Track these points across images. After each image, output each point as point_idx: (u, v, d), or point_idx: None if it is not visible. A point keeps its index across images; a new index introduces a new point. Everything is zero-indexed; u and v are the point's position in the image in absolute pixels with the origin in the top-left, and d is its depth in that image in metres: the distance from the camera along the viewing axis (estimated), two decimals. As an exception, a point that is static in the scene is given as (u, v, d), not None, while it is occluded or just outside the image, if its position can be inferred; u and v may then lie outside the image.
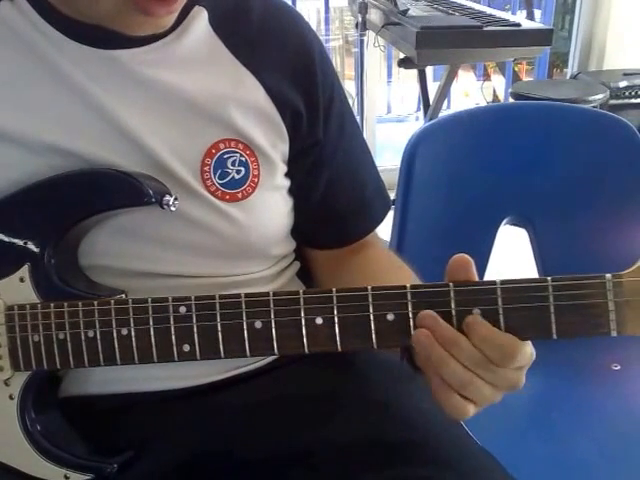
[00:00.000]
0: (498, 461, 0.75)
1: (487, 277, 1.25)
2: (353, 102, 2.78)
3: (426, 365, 0.62)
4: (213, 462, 0.77)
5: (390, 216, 0.93)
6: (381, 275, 0.86)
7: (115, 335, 0.66)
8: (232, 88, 0.75)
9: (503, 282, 0.59)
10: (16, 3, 0.71)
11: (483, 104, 4.44)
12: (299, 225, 0.86)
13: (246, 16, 0.78)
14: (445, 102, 3.08)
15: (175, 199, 0.69)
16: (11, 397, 0.70)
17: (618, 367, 1.20)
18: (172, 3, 0.66)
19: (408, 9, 2.23)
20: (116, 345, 0.66)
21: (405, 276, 0.83)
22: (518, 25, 2.19)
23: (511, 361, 0.59)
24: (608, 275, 0.57)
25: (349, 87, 4.15)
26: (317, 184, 0.83)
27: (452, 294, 0.60)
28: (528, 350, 0.60)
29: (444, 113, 3.11)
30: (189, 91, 0.73)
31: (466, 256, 0.61)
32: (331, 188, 0.84)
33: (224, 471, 0.77)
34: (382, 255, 0.90)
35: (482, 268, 1.26)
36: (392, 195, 1.18)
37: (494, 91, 4.54)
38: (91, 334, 0.67)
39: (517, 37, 2.19)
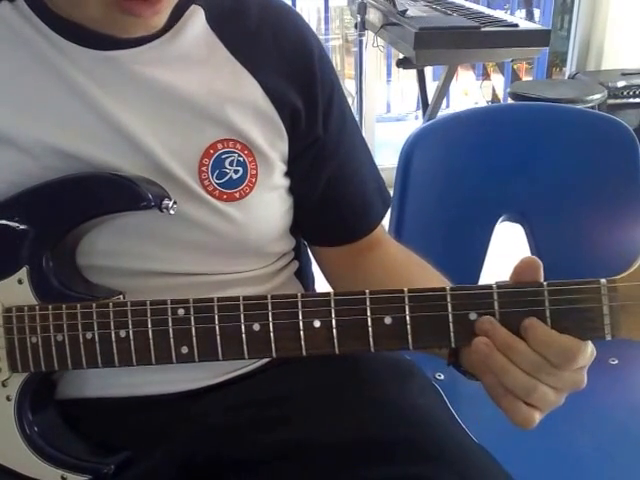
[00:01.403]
0: (494, 457, 0.75)
1: (484, 274, 1.26)
2: (353, 101, 2.78)
3: (486, 374, 0.62)
4: (210, 462, 0.77)
5: (387, 214, 0.94)
6: (406, 273, 0.86)
7: (113, 337, 0.66)
8: (230, 87, 0.75)
9: (500, 286, 0.59)
10: (16, 4, 0.71)
11: (482, 103, 4.45)
12: (303, 223, 0.86)
13: (244, 15, 0.78)
14: (444, 101, 3.08)
15: (174, 203, 0.69)
16: (8, 398, 0.70)
17: (616, 361, 1.20)
18: (156, 3, 0.65)
19: (407, 9, 2.24)
20: (114, 347, 0.66)
21: (430, 277, 0.83)
22: (516, 26, 2.20)
23: (572, 363, 0.58)
24: (603, 280, 0.58)
25: (349, 86, 4.15)
26: (318, 181, 0.83)
27: (449, 298, 0.60)
28: (589, 350, 0.59)
29: (443, 112, 3.12)
30: (187, 90, 0.73)
31: (535, 258, 0.60)
32: (332, 185, 0.84)
33: (221, 470, 0.77)
34: (397, 252, 0.90)
35: (479, 265, 1.26)
36: (390, 194, 1.19)
37: (493, 90, 4.54)
38: (89, 336, 0.67)
39: (515, 38, 2.19)
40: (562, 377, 0.59)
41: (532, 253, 1.28)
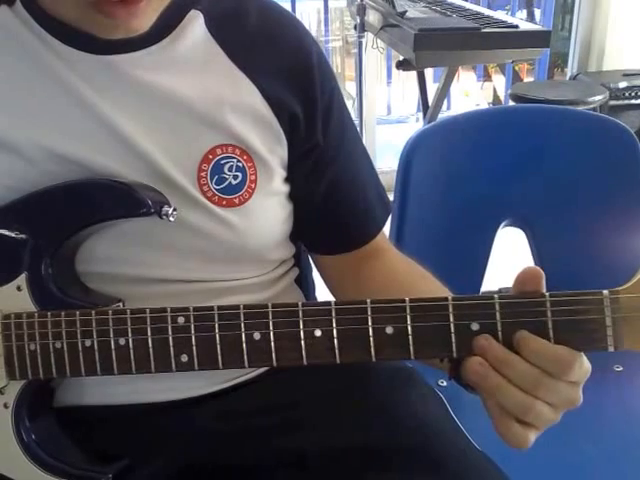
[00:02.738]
0: (498, 465, 0.75)
1: (486, 279, 1.26)
2: (353, 103, 2.78)
3: (484, 392, 0.61)
4: (210, 469, 0.77)
5: (388, 219, 0.93)
6: (408, 282, 0.85)
7: (112, 345, 0.66)
8: (229, 92, 0.75)
9: (502, 297, 0.59)
10: (14, 9, 0.71)
11: (484, 104, 4.44)
12: (303, 230, 0.86)
13: (243, 20, 0.77)
14: (445, 103, 3.07)
15: (174, 210, 0.69)
16: (6, 406, 0.70)
17: (620, 369, 1.20)
18: (131, 6, 0.64)
19: (406, 11, 2.23)
20: (113, 355, 0.66)
21: (432, 287, 0.82)
22: (516, 27, 2.19)
23: (570, 372, 0.58)
24: (605, 291, 0.57)
25: (349, 88, 4.14)
26: (318, 187, 0.83)
27: (450, 308, 0.59)
28: (585, 363, 0.59)
29: (444, 114, 3.11)
30: (186, 95, 0.73)
31: (538, 268, 0.60)
32: (332, 191, 0.84)
33: (221, 478, 0.77)
34: (400, 261, 0.89)
35: (481, 270, 1.26)
36: (391, 198, 1.18)
37: (494, 91, 4.54)
38: (88, 343, 0.66)
39: (515, 39, 2.19)
40: (559, 390, 0.58)
41: (534, 258, 1.27)
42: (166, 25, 0.72)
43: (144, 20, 0.68)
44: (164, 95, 0.72)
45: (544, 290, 0.59)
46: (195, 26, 0.74)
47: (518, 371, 0.58)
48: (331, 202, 0.84)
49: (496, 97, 4.49)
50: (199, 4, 0.75)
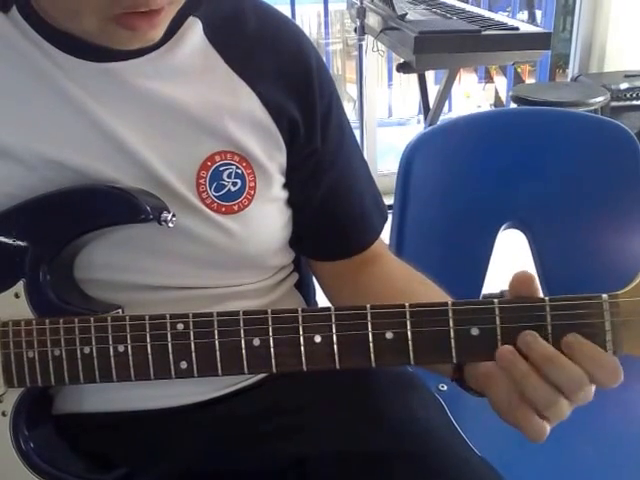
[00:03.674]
0: (497, 471, 0.75)
1: (487, 282, 1.25)
2: (354, 105, 2.78)
3: (497, 385, 0.61)
4: (209, 475, 0.77)
5: (388, 222, 0.93)
6: (406, 289, 0.84)
7: (111, 352, 0.65)
8: (227, 99, 0.74)
9: (501, 302, 0.59)
10: (10, 15, 0.71)
11: (485, 106, 4.44)
12: (301, 236, 0.86)
13: (241, 26, 0.77)
14: (446, 105, 3.07)
15: (173, 215, 0.69)
16: (4, 414, 0.70)
17: (621, 373, 1.19)
18: (154, 17, 0.64)
19: (406, 13, 2.22)
20: (112, 362, 0.66)
21: (431, 293, 0.81)
22: (516, 29, 2.18)
23: (618, 379, 0.58)
24: (605, 295, 0.57)
25: (350, 90, 4.14)
26: (317, 192, 0.83)
27: (450, 313, 0.59)
28: None
29: (446, 116, 3.11)
30: (184, 102, 0.72)
31: (528, 272, 0.60)
32: (330, 197, 0.84)
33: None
34: (398, 267, 0.89)
35: (482, 272, 1.26)
36: (392, 200, 1.18)
37: (496, 92, 4.53)
38: (87, 351, 0.66)
39: (516, 41, 2.18)
40: (589, 393, 0.58)
41: (535, 260, 1.27)
42: (164, 32, 0.72)
43: (160, 29, 0.68)
44: (162, 102, 0.72)
45: (539, 292, 0.59)
46: (193, 33, 0.74)
47: (564, 371, 0.57)
48: (329, 207, 0.84)
49: (498, 98, 4.48)
50: (197, 10, 0.75)
